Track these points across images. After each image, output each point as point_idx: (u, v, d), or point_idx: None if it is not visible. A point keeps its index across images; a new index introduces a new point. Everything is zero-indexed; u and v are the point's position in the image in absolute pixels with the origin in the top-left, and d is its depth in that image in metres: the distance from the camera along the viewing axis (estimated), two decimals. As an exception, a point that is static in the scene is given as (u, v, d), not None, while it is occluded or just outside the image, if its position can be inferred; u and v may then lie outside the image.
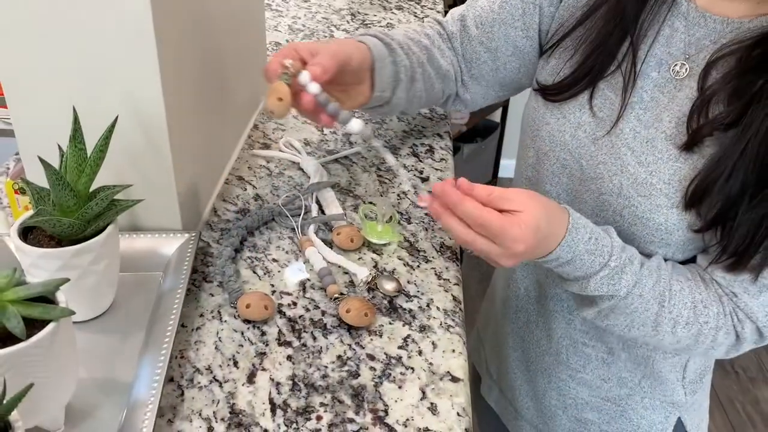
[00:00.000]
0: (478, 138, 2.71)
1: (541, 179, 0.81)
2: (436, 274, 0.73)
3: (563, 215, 0.66)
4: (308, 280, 0.72)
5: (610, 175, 0.73)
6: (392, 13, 1.44)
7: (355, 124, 0.67)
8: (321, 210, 0.82)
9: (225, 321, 0.67)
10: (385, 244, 0.77)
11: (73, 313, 0.49)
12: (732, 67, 0.67)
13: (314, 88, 0.66)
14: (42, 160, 0.55)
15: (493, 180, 2.93)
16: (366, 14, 1.42)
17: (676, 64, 0.71)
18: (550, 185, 0.80)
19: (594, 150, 0.75)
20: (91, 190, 0.61)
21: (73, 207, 0.59)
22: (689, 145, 0.68)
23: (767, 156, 0.64)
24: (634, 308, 0.69)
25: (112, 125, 0.59)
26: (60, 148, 0.60)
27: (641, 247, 0.73)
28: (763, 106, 0.64)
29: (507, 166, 2.92)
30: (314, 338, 0.65)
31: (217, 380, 0.60)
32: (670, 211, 0.70)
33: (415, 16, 1.42)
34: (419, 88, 0.83)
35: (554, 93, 0.78)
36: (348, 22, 1.37)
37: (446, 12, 1.38)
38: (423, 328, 0.67)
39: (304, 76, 0.65)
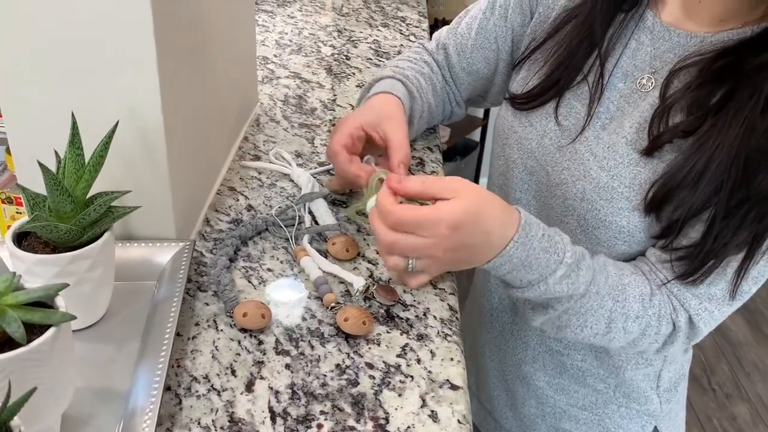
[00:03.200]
0: (457, 157, 2.74)
1: (511, 186, 0.84)
2: (431, 284, 0.74)
3: (513, 212, 0.64)
4: (306, 290, 0.72)
5: (574, 180, 0.75)
6: (378, 30, 1.45)
7: None
8: (314, 221, 0.82)
9: (221, 330, 0.66)
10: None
11: (74, 317, 0.49)
12: (693, 77, 0.69)
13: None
14: (41, 165, 0.54)
15: (472, 198, 2.95)
16: (352, 31, 1.43)
17: (642, 78, 0.74)
18: (520, 192, 0.83)
19: (558, 156, 0.77)
20: (87, 196, 0.60)
21: (70, 213, 0.58)
22: (650, 151, 0.70)
23: (737, 166, 0.65)
24: (589, 306, 0.68)
25: (113, 130, 0.59)
26: (57, 153, 0.60)
27: (605, 250, 0.75)
28: (724, 116, 0.66)
29: (486, 185, 2.94)
30: (312, 347, 0.65)
31: (215, 389, 0.60)
32: (632, 214, 0.71)
33: (401, 33, 1.44)
34: (422, 125, 0.92)
35: (522, 102, 0.81)
36: (335, 38, 1.38)
37: (431, 29, 1.40)
38: (421, 337, 0.67)
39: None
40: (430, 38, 1.00)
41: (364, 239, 0.80)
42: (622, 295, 0.69)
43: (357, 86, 1.18)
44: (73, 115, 0.58)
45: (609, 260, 0.72)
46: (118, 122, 0.60)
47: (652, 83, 0.73)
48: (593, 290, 0.68)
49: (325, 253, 0.77)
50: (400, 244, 0.62)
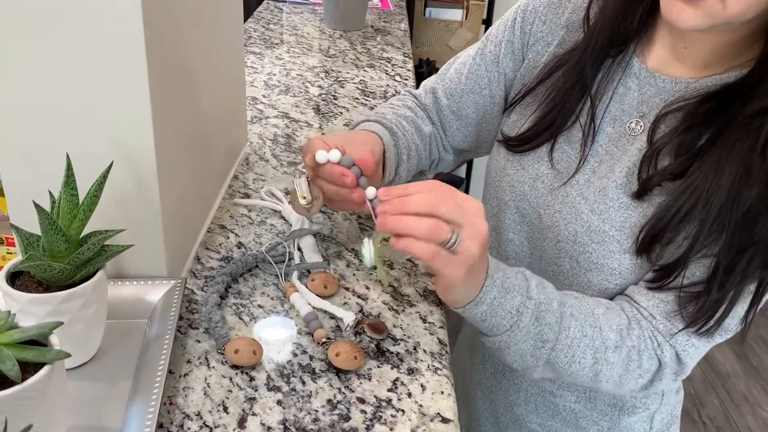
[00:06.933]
0: (444, 193, 2.76)
1: (503, 228, 0.85)
2: (421, 318, 0.74)
3: None
4: (296, 326, 0.72)
5: (566, 223, 0.77)
6: (364, 70, 1.48)
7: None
8: (303, 257, 0.83)
9: (213, 367, 0.66)
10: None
11: (69, 355, 0.49)
12: (679, 121, 0.71)
13: (371, 192, 0.73)
14: (37, 205, 0.55)
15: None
16: (339, 71, 1.46)
17: (631, 122, 0.75)
18: (512, 233, 0.84)
19: (551, 200, 0.79)
20: (81, 235, 0.61)
21: (64, 252, 0.59)
22: (640, 194, 0.72)
23: (737, 212, 0.66)
24: (573, 336, 0.69)
25: (107, 171, 0.60)
26: (51, 194, 0.61)
27: (597, 292, 0.75)
28: (711, 158, 0.68)
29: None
30: (303, 383, 0.65)
31: (207, 426, 0.60)
32: (623, 256, 0.72)
33: (387, 74, 1.47)
34: (413, 163, 0.89)
35: (516, 144, 0.82)
36: (322, 79, 1.41)
37: (415, 69, 1.43)
38: (411, 371, 0.67)
39: (371, 192, 0.72)
40: (415, 78, 1.02)
41: (354, 274, 0.81)
42: (598, 323, 0.70)
43: (344, 125, 1.20)
44: (68, 156, 0.59)
45: (576, 293, 0.73)
46: (112, 162, 0.61)
47: (641, 127, 0.75)
48: (568, 312, 0.69)
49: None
50: (443, 231, 0.60)
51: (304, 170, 0.77)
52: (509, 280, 0.67)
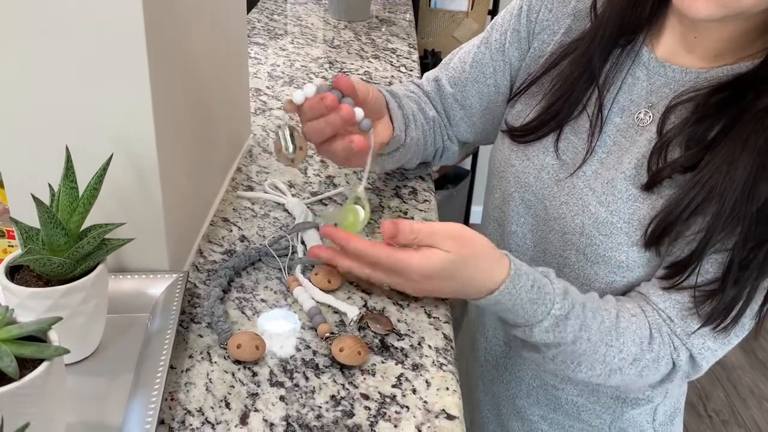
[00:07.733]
0: (449, 185, 2.75)
1: (507, 219, 0.83)
2: (425, 313, 0.73)
3: (502, 260, 0.66)
4: (299, 321, 0.71)
5: (573, 215, 0.75)
6: (369, 62, 1.47)
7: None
8: (306, 251, 0.82)
9: (215, 362, 0.65)
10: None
11: (67, 351, 0.48)
12: (690, 112, 0.70)
13: (360, 113, 0.72)
14: (35, 198, 0.54)
15: (465, 226, 2.97)
16: (344, 62, 1.45)
17: (639, 112, 0.74)
18: (516, 225, 0.83)
19: (557, 191, 0.77)
20: (81, 229, 0.60)
21: (64, 246, 0.58)
22: (649, 186, 0.71)
23: (750, 207, 0.65)
24: (582, 351, 0.69)
25: (107, 163, 0.59)
26: (51, 187, 0.60)
27: (603, 285, 0.74)
28: (723, 151, 0.66)
29: (478, 212, 2.96)
30: (306, 378, 0.64)
31: (209, 422, 0.59)
32: (630, 249, 0.71)
33: (392, 65, 1.46)
34: (420, 136, 0.88)
35: (521, 134, 0.81)
36: (326, 70, 1.39)
37: (421, 60, 1.42)
38: (416, 367, 0.66)
39: (359, 112, 0.72)
40: (420, 69, 1.00)
41: (358, 269, 0.80)
42: (618, 341, 0.69)
43: (349, 117, 1.19)
44: (67, 148, 0.58)
45: (609, 300, 0.71)
46: (112, 155, 0.60)
47: (649, 117, 0.73)
48: (584, 336, 0.68)
49: (318, 283, 0.76)
50: (375, 278, 0.69)
51: (289, 120, 0.77)
52: (517, 306, 0.67)
